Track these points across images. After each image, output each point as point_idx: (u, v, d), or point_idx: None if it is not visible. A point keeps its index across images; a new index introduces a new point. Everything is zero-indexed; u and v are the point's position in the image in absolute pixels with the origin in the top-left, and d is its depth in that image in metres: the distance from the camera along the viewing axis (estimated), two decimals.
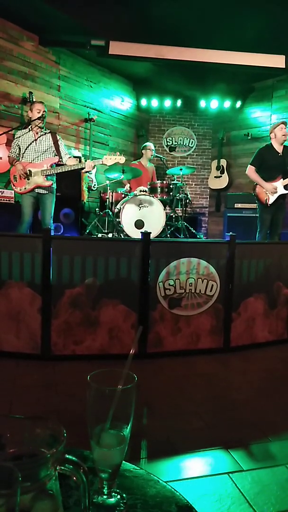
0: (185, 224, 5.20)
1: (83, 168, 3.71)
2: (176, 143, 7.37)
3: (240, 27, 5.06)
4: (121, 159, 3.76)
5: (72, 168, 3.70)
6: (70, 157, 3.84)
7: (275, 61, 5.64)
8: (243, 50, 5.53)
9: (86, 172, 3.79)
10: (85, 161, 3.82)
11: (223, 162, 7.09)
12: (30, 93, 5.30)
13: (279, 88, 6.49)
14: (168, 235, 5.04)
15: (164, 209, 4.71)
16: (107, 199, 4.91)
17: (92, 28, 5.22)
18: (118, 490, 0.59)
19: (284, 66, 5.65)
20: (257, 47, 5.49)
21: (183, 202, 5.37)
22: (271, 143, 4.23)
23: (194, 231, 5.38)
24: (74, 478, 0.45)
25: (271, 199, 4.13)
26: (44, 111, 3.73)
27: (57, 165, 3.80)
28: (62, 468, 0.44)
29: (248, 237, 5.21)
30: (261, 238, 4.23)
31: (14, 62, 5.19)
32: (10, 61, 5.15)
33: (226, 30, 5.16)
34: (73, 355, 2.64)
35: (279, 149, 4.18)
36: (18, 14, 4.93)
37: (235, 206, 6.18)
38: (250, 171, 4.24)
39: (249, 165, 4.27)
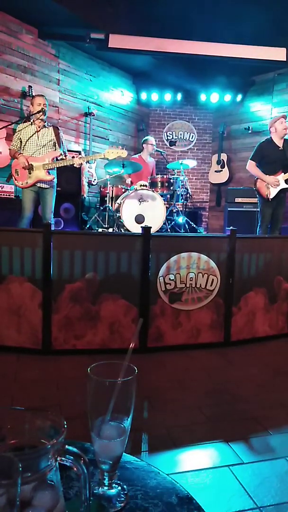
0: (186, 218, 5.19)
1: (87, 161, 3.71)
2: (177, 137, 7.34)
3: (241, 20, 5.02)
4: (123, 153, 3.75)
5: (73, 162, 3.70)
6: (66, 155, 3.83)
7: (276, 54, 5.59)
8: (243, 43, 5.48)
9: (80, 164, 3.79)
10: (85, 155, 3.81)
11: (224, 156, 7.06)
12: (30, 87, 5.27)
13: (280, 81, 6.44)
14: (169, 230, 5.03)
15: (165, 204, 4.70)
16: (107, 194, 4.89)
17: (92, 21, 5.17)
18: (118, 482, 0.60)
19: (285, 59, 5.59)
20: (257, 40, 5.44)
21: (184, 197, 5.36)
22: (271, 137, 4.21)
23: (194, 225, 5.37)
24: (75, 469, 0.45)
25: (272, 193, 4.12)
26: (45, 104, 3.72)
27: (58, 159, 3.79)
28: (63, 459, 0.44)
29: (249, 231, 5.20)
30: (261, 232, 4.23)
31: (13, 55, 5.15)
32: (9, 54, 5.11)
33: (227, 22, 5.12)
34: (74, 350, 2.65)
35: (279, 143, 4.16)
36: (17, 7, 4.88)
37: (235, 201, 6.16)
38: (251, 166, 4.22)
39: (249, 160, 4.25)
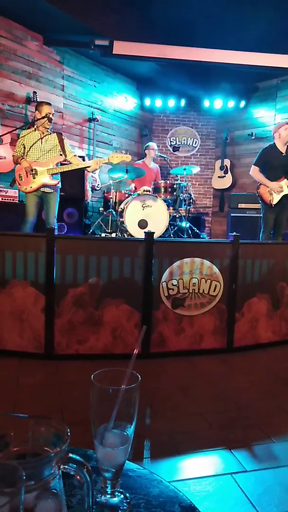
0: (189, 224, 5.19)
1: (89, 166, 3.72)
2: (180, 143, 7.37)
3: (244, 26, 5.05)
4: (127, 157, 3.76)
5: (79, 167, 3.71)
6: (75, 156, 3.85)
7: (279, 60, 5.61)
8: (247, 49, 5.51)
9: (94, 170, 3.78)
10: (89, 161, 3.81)
11: (227, 162, 7.07)
12: (34, 93, 5.32)
13: (284, 88, 6.47)
14: (172, 235, 5.03)
15: (168, 209, 4.70)
16: (111, 199, 4.91)
17: (96, 28, 5.22)
18: (121, 490, 0.59)
19: None
20: (261, 47, 5.47)
21: (187, 202, 5.37)
22: (274, 143, 4.22)
23: (197, 231, 5.37)
24: (78, 477, 0.45)
25: (275, 199, 4.12)
26: (52, 114, 3.75)
27: (62, 164, 3.81)
28: (66, 467, 0.44)
29: (252, 237, 5.19)
30: (264, 238, 4.22)
31: (18, 62, 5.21)
32: (14, 61, 5.16)
33: (230, 29, 5.15)
34: (76, 355, 2.64)
35: (282, 149, 4.16)
36: (22, 14, 4.94)
37: (238, 206, 6.16)
38: (254, 171, 4.23)
39: (253, 166, 4.25)
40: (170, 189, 5.14)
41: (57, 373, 2.41)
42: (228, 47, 5.50)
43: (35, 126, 3.78)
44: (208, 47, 5.51)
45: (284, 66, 5.61)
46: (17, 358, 2.57)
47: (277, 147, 4.18)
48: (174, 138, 7.37)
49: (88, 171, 3.81)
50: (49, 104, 3.81)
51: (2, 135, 4.42)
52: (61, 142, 3.78)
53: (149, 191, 4.84)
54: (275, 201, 4.12)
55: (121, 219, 4.63)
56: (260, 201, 4.30)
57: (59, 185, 3.83)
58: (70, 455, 0.44)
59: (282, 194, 4.11)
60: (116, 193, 5.00)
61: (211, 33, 5.23)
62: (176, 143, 7.35)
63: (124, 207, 4.61)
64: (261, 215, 4.34)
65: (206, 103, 6.94)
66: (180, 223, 5.26)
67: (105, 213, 5.03)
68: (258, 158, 4.24)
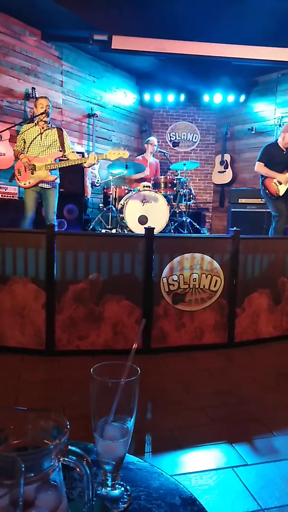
0: (189, 219, 5.18)
1: (85, 162, 3.70)
2: (180, 138, 7.34)
3: (244, 20, 5.01)
4: (125, 154, 3.75)
5: (76, 163, 3.70)
6: (73, 152, 3.84)
7: (279, 54, 5.57)
8: (247, 43, 5.47)
9: (91, 165, 3.76)
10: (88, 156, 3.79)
11: (227, 157, 7.04)
12: (33, 88, 5.29)
13: (284, 81, 6.42)
14: (172, 231, 5.03)
15: (168, 205, 4.69)
16: (111, 195, 4.90)
17: (95, 23, 5.18)
18: (122, 482, 0.59)
19: None
20: (261, 40, 5.43)
21: (187, 197, 5.36)
22: (277, 142, 4.31)
23: (197, 226, 5.37)
24: (78, 469, 0.45)
25: (281, 190, 4.16)
26: (48, 105, 3.73)
27: (61, 159, 3.80)
28: (66, 459, 0.44)
29: (253, 232, 5.18)
30: (279, 226, 4.23)
31: (17, 57, 5.18)
32: (13, 56, 5.13)
33: (230, 23, 5.11)
34: (77, 351, 2.65)
35: (283, 148, 4.28)
36: (20, 9, 4.90)
37: (239, 201, 6.14)
38: (260, 166, 4.28)
39: (257, 162, 4.31)
40: (170, 185, 5.13)
41: (58, 369, 2.42)
42: (227, 41, 5.46)
43: (35, 122, 3.78)
44: (208, 41, 5.47)
45: (284, 59, 5.57)
46: (19, 354, 2.58)
47: (279, 146, 4.28)
48: (174, 133, 7.34)
49: (85, 166, 3.78)
50: (44, 97, 3.81)
51: (1, 132, 4.41)
52: (60, 137, 3.77)
53: (149, 186, 4.83)
54: (281, 192, 4.16)
55: (121, 215, 4.62)
56: (265, 195, 4.31)
57: (58, 181, 3.83)
58: (70, 447, 0.44)
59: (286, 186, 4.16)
60: (116, 189, 4.99)
61: (210, 27, 5.19)
62: (176, 138, 7.32)
63: (124, 203, 4.60)
64: (269, 208, 4.37)
65: (205, 97, 6.90)
66: (180, 219, 5.25)
67: (105, 209, 5.02)
68: (262, 154, 4.32)
